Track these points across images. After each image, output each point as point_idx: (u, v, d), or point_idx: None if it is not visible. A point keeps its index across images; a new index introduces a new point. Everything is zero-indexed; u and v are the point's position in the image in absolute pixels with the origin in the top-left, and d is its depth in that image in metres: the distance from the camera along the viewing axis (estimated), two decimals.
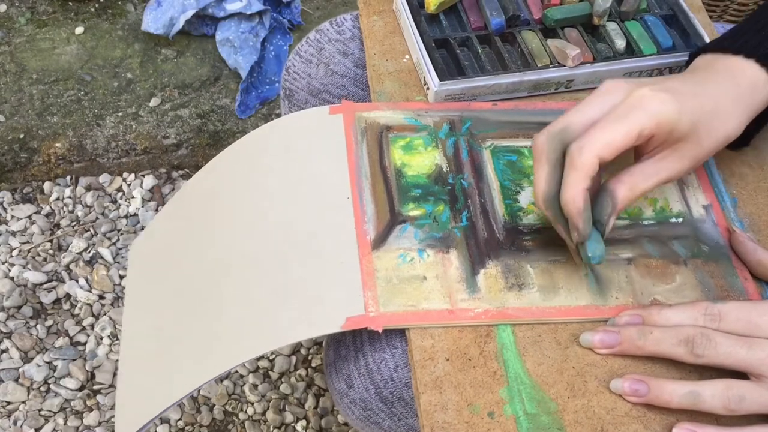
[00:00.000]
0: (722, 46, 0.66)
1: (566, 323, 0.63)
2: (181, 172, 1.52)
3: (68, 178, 1.49)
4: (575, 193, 0.58)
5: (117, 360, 1.28)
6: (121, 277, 1.37)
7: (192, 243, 0.78)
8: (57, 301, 1.34)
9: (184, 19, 1.53)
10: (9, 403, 1.23)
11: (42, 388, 1.25)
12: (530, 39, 0.78)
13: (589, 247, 0.61)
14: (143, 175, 1.51)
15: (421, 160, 0.72)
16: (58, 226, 1.43)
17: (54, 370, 1.27)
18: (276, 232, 0.70)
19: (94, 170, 1.50)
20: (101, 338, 1.30)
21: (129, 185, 1.50)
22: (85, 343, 1.30)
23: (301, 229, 0.69)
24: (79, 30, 1.59)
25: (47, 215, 1.45)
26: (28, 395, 1.24)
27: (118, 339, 1.30)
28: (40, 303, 1.33)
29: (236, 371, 1.29)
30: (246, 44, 1.54)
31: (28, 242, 1.40)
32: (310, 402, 1.27)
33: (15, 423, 1.21)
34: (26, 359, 1.27)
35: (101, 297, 1.35)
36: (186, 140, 1.50)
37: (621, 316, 0.62)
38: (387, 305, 0.62)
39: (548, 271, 0.65)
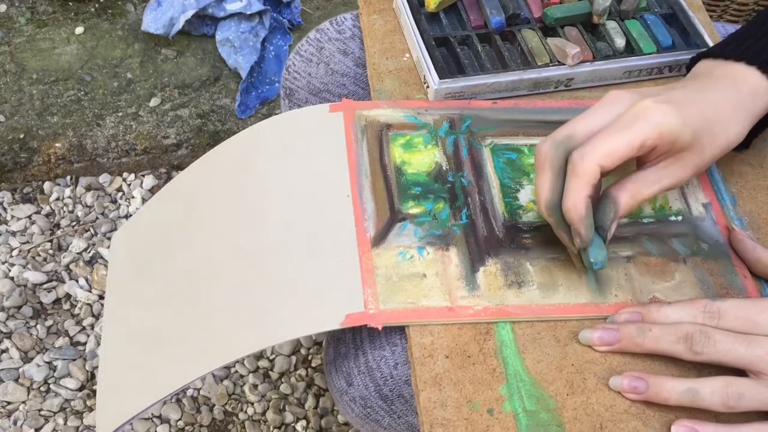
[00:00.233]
0: (724, 52, 0.66)
1: (565, 321, 0.63)
2: (181, 172, 1.52)
3: (68, 178, 1.49)
4: (577, 200, 0.58)
5: None
6: None
7: (183, 239, 0.77)
8: (57, 301, 1.34)
9: (184, 19, 1.53)
10: (9, 403, 1.23)
11: (42, 388, 1.25)
12: (530, 37, 0.78)
13: (592, 252, 0.61)
14: (143, 175, 1.51)
15: (421, 158, 0.72)
16: (58, 226, 1.43)
17: (54, 370, 1.27)
18: (276, 230, 0.70)
19: (94, 170, 1.50)
20: (101, 338, 1.30)
21: (129, 185, 1.50)
22: (85, 343, 1.30)
23: (300, 226, 0.69)
24: (79, 30, 1.59)
25: (47, 215, 1.45)
26: (28, 395, 1.24)
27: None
28: (40, 303, 1.33)
29: (236, 371, 1.29)
30: (246, 44, 1.55)
31: (28, 242, 1.41)
32: (310, 402, 1.26)
33: (15, 423, 1.21)
34: (26, 359, 1.27)
35: (101, 297, 1.35)
36: (186, 140, 1.50)
37: (620, 313, 0.62)
38: (387, 302, 0.63)
39: (548, 269, 0.65)
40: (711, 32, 0.82)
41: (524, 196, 0.70)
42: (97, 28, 1.61)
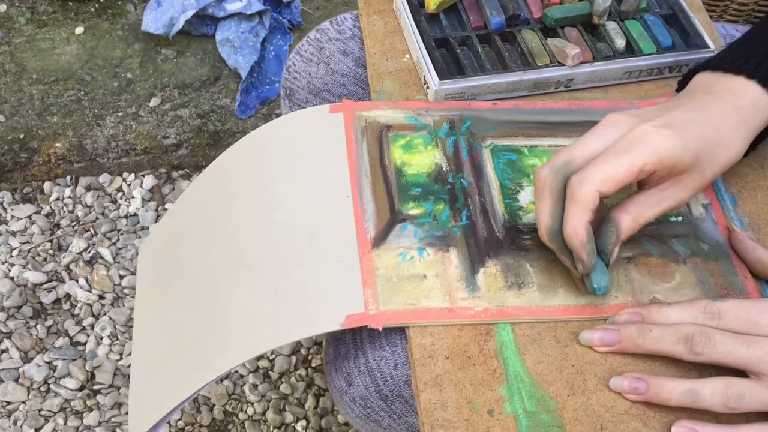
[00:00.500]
0: (722, 64, 0.66)
1: (566, 322, 0.63)
2: (181, 172, 1.52)
3: (68, 178, 1.49)
4: (577, 226, 0.58)
5: (117, 360, 1.28)
6: (121, 277, 1.37)
7: (196, 244, 0.78)
8: (57, 301, 1.34)
9: (184, 19, 1.53)
10: (9, 403, 1.23)
11: (42, 388, 1.25)
12: (530, 38, 0.78)
13: (594, 278, 0.61)
14: (143, 175, 1.51)
15: (421, 159, 0.72)
16: (58, 226, 1.43)
17: (54, 370, 1.27)
18: (276, 231, 0.70)
19: (94, 170, 1.50)
20: (101, 338, 1.30)
21: (129, 185, 1.50)
22: (85, 343, 1.30)
23: (301, 227, 0.69)
24: (79, 30, 1.59)
25: (47, 215, 1.45)
26: (28, 395, 1.24)
27: (118, 339, 1.30)
28: (40, 303, 1.33)
29: (236, 371, 1.29)
30: (246, 44, 1.55)
31: (28, 242, 1.41)
32: (310, 402, 1.27)
33: (15, 423, 1.21)
34: (26, 359, 1.27)
35: (101, 297, 1.35)
36: (186, 140, 1.50)
37: (620, 314, 0.62)
38: (387, 303, 0.63)
39: (548, 270, 0.65)
40: (711, 32, 0.82)
41: (524, 197, 0.70)
42: (97, 28, 1.61)
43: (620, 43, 0.78)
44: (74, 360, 1.27)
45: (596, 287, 0.61)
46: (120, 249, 1.41)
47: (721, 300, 0.59)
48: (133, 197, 1.48)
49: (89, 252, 1.40)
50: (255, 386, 1.28)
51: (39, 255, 1.39)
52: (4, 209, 1.45)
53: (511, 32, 0.79)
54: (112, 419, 1.23)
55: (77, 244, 1.40)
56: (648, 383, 0.58)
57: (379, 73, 0.79)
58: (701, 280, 0.66)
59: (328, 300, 0.64)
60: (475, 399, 0.59)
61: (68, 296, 1.35)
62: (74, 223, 1.44)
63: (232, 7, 1.54)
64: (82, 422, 1.23)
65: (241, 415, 1.25)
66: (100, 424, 1.22)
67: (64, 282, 1.36)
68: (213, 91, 1.55)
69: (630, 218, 0.60)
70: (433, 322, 0.62)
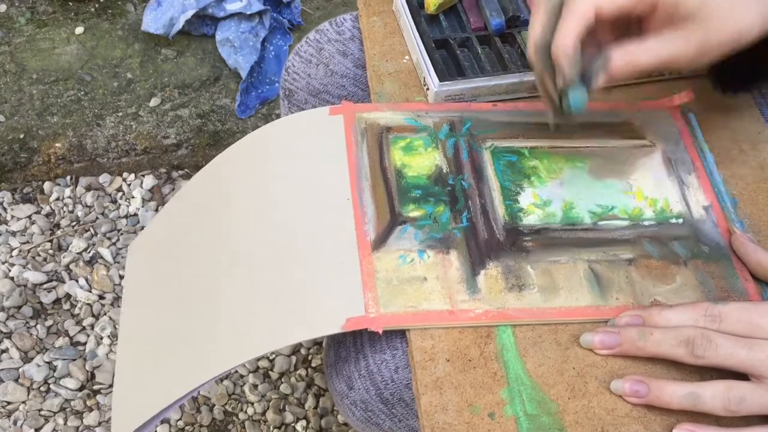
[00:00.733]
0: None
1: (566, 324, 0.63)
2: (181, 172, 1.52)
3: (68, 178, 1.49)
4: (567, 38, 0.56)
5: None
6: (121, 277, 1.37)
7: (192, 244, 0.78)
8: (57, 301, 1.34)
9: (184, 19, 1.53)
10: (9, 403, 1.23)
11: (42, 388, 1.25)
12: None
13: (571, 95, 0.59)
14: (143, 175, 1.51)
15: (421, 161, 0.72)
16: (58, 226, 1.43)
17: (54, 370, 1.27)
18: (276, 233, 0.70)
19: (94, 170, 1.50)
20: (101, 338, 1.30)
21: (129, 185, 1.50)
22: (85, 343, 1.30)
23: (301, 230, 0.69)
24: (79, 30, 1.59)
25: (47, 215, 1.45)
26: (28, 395, 1.24)
27: (118, 339, 1.30)
28: (40, 303, 1.33)
29: (236, 371, 1.29)
30: (246, 44, 1.54)
31: (28, 242, 1.40)
32: (310, 402, 1.27)
33: (15, 423, 1.21)
34: (26, 359, 1.27)
35: (101, 297, 1.35)
36: (186, 140, 1.50)
37: (621, 316, 0.62)
38: (387, 306, 0.63)
39: (548, 272, 0.65)
40: None
41: (525, 198, 0.70)
42: (97, 28, 1.60)
43: None
44: (74, 360, 1.27)
45: (571, 103, 0.59)
46: (120, 249, 1.41)
47: (722, 303, 0.59)
48: (133, 197, 1.48)
49: (89, 252, 1.40)
50: (255, 386, 1.28)
51: (39, 255, 1.39)
52: (4, 209, 1.44)
53: (511, 33, 0.79)
54: None
55: (77, 244, 1.40)
56: (649, 386, 0.58)
57: (379, 74, 0.78)
58: (702, 282, 0.66)
59: (328, 302, 0.64)
60: (476, 402, 0.59)
61: (68, 296, 1.35)
62: (74, 223, 1.44)
63: (232, 7, 1.54)
64: (82, 422, 1.23)
65: (241, 415, 1.25)
66: (100, 424, 1.22)
67: (64, 282, 1.36)
68: (213, 91, 1.55)
69: (623, 53, 0.57)
70: (434, 324, 0.62)
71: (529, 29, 0.59)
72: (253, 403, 1.26)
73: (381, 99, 0.77)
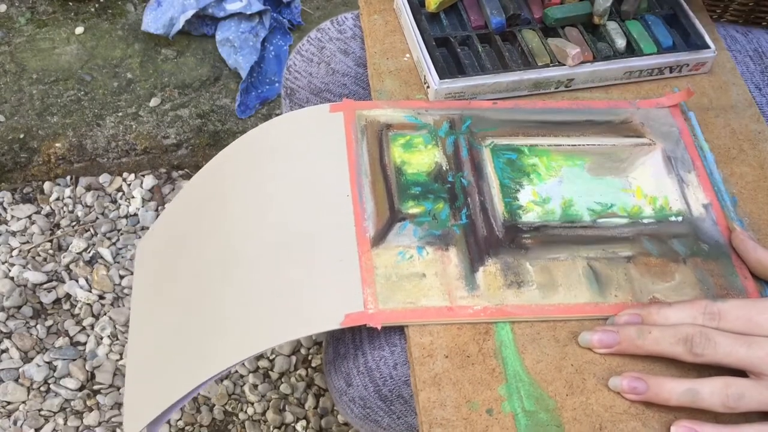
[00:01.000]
0: None
1: (565, 321, 0.63)
2: (181, 172, 1.52)
3: (68, 178, 1.49)
4: None
5: (117, 360, 1.28)
6: (121, 277, 1.37)
7: (195, 242, 0.78)
8: (57, 301, 1.34)
9: (184, 19, 1.53)
10: (9, 403, 1.23)
11: (42, 388, 1.25)
12: (530, 38, 0.78)
13: None
14: (143, 175, 1.51)
15: (420, 158, 0.72)
16: (58, 226, 1.43)
17: (54, 370, 1.26)
18: (276, 230, 0.70)
19: (94, 170, 1.50)
20: (101, 338, 1.30)
21: (129, 185, 1.50)
22: (85, 343, 1.30)
23: (300, 226, 0.69)
24: (79, 30, 1.59)
25: (47, 215, 1.45)
26: (28, 395, 1.24)
27: (118, 339, 1.30)
28: (40, 303, 1.33)
29: (236, 371, 1.29)
30: (246, 44, 1.55)
31: (28, 242, 1.40)
32: (310, 402, 1.26)
33: (15, 423, 1.21)
34: (26, 359, 1.27)
35: (101, 297, 1.34)
36: (186, 140, 1.50)
37: (620, 315, 0.62)
38: (386, 302, 0.62)
39: (547, 269, 0.65)
40: (712, 32, 0.82)
41: (524, 196, 0.70)
42: (97, 28, 1.61)
43: (621, 43, 0.78)
44: (74, 360, 1.27)
45: None
46: (120, 249, 1.41)
47: (721, 300, 0.59)
48: (133, 197, 1.48)
49: (89, 252, 1.40)
50: (255, 386, 1.28)
51: (39, 255, 1.39)
52: (4, 209, 1.45)
53: (512, 32, 0.79)
54: (112, 419, 1.22)
55: (77, 244, 1.40)
56: (647, 383, 0.58)
57: (380, 72, 0.79)
58: (701, 279, 0.66)
59: (327, 299, 0.64)
60: (474, 398, 0.59)
61: (68, 296, 1.34)
62: (74, 223, 1.44)
63: (232, 7, 1.54)
64: (82, 422, 1.22)
65: (241, 415, 1.25)
66: (100, 424, 1.22)
67: (64, 282, 1.36)
68: (213, 91, 1.55)
69: None
70: (433, 320, 0.62)
71: None
72: (253, 403, 1.26)
73: (381, 97, 0.77)
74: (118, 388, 1.26)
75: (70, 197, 1.47)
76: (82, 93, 1.51)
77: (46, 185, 1.48)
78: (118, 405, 1.24)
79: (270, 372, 1.30)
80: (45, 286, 1.35)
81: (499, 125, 0.74)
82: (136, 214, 1.45)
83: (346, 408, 0.72)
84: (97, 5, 1.64)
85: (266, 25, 1.56)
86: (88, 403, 1.24)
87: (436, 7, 0.79)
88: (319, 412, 1.26)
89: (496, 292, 0.64)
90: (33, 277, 1.34)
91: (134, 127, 1.49)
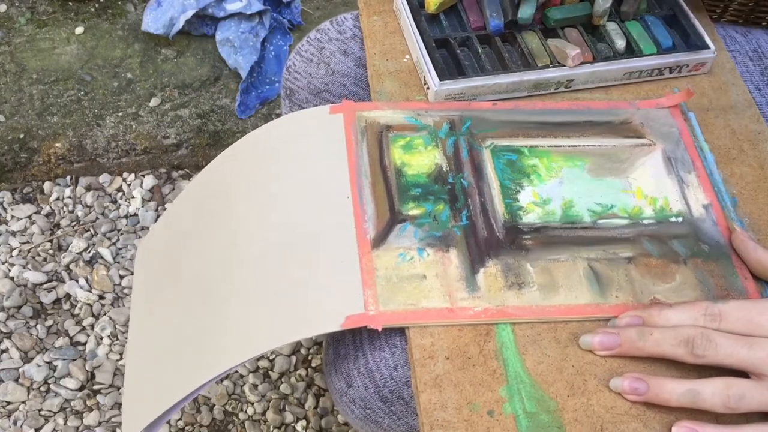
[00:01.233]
0: None
1: (566, 322, 0.63)
2: (181, 172, 1.52)
3: (68, 178, 1.49)
4: None
5: (117, 360, 1.28)
6: (121, 277, 1.37)
7: (195, 243, 0.78)
8: (57, 301, 1.34)
9: (184, 19, 1.53)
10: (9, 403, 1.23)
11: (42, 388, 1.25)
12: (530, 39, 0.78)
13: None
14: (143, 175, 1.51)
15: (421, 160, 0.72)
16: (58, 226, 1.43)
17: (54, 370, 1.26)
18: (276, 231, 0.70)
19: (94, 170, 1.50)
20: (101, 338, 1.30)
21: (129, 185, 1.50)
22: (85, 343, 1.30)
23: (300, 228, 0.69)
24: (79, 30, 1.59)
25: (47, 215, 1.45)
26: (28, 395, 1.24)
27: (118, 339, 1.30)
28: (40, 303, 1.33)
29: (236, 371, 1.29)
30: (246, 44, 1.55)
31: (28, 242, 1.41)
32: (310, 402, 1.26)
33: (15, 423, 1.21)
34: (26, 359, 1.27)
35: (101, 297, 1.35)
36: (186, 140, 1.50)
37: (621, 317, 0.62)
38: (387, 304, 0.62)
39: (548, 270, 0.65)
40: (711, 33, 0.82)
41: (524, 197, 0.70)
42: (97, 28, 1.61)
43: (620, 43, 0.78)
44: (74, 360, 1.27)
45: None
46: (120, 249, 1.41)
47: (722, 301, 0.59)
48: (133, 197, 1.48)
49: (89, 252, 1.40)
50: (255, 386, 1.28)
51: (39, 255, 1.39)
52: (4, 209, 1.45)
53: (512, 33, 0.79)
54: (112, 419, 1.22)
55: (77, 244, 1.40)
56: (648, 383, 0.58)
57: (380, 73, 0.79)
58: (701, 280, 0.66)
59: (327, 300, 0.64)
60: (475, 399, 0.59)
61: (68, 296, 1.35)
62: (74, 223, 1.44)
63: (232, 7, 1.54)
64: (82, 422, 1.23)
65: (241, 415, 1.25)
66: (100, 424, 1.22)
67: (64, 282, 1.36)
68: (213, 91, 1.55)
69: None
70: (433, 322, 0.62)
71: None
72: (253, 403, 1.26)
73: (381, 98, 0.77)
74: (118, 388, 1.26)
75: (70, 197, 1.47)
76: (82, 93, 1.51)
77: (46, 185, 1.48)
78: (118, 405, 1.24)
79: (270, 372, 1.30)
80: (45, 286, 1.35)
81: (499, 126, 0.74)
82: (136, 214, 1.45)
83: (346, 409, 0.72)
84: (97, 5, 1.64)
85: (266, 25, 1.56)
86: (88, 403, 1.24)
87: (435, 8, 0.79)
88: (319, 412, 1.26)
89: (496, 293, 0.64)
90: (33, 277, 1.34)
91: (134, 127, 1.49)
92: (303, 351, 1.32)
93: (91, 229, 1.43)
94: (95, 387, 1.25)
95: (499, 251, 0.66)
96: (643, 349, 0.59)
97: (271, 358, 1.31)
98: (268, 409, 1.25)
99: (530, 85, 0.77)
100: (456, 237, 0.67)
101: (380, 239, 0.66)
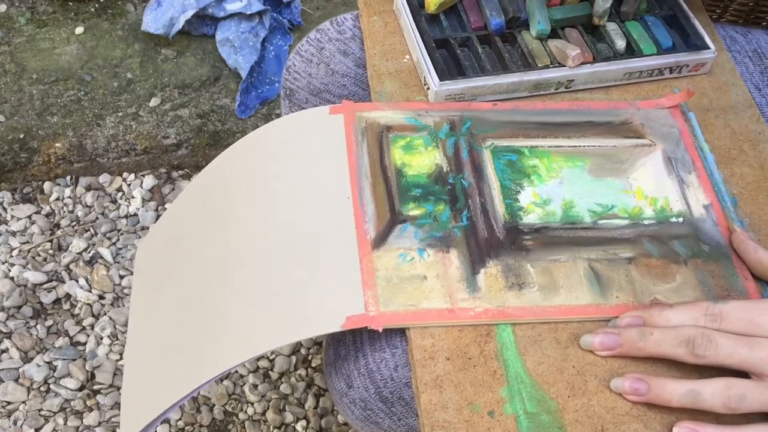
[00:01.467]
0: None
1: (566, 322, 0.63)
2: (181, 172, 1.52)
3: (68, 178, 1.49)
4: None
5: (117, 360, 1.28)
6: (121, 277, 1.37)
7: (196, 244, 0.78)
8: (57, 301, 1.34)
9: (184, 19, 1.53)
10: (9, 403, 1.23)
11: (42, 388, 1.25)
12: (530, 39, 0.78)
13: None
14: (143, 175, 1.51)
15: (421, 160, 0.72)
16: (58, 226, 1.43)
17: (54, 370, 1.26)
18: (276, 232, 0.70)
19: (94, 170, 1.50)
20: (101, 338, 1.30)
21: (129, 185, 1.50)
22: (85, 343, 1.30)
23: (301, 228, 0.69)
24: (79, 30, 1.59)
25: (47, 215, 1.45)
26: (28, 395, 1.24)
27: (118, 339, 1.30)
28: (40, 303, 1.33)
29: (236, 371, 1.29)
30: (246, 44, 1.54)
31: (28, 242, 1.40)
32: (310, 402, 1.26)
33: (15, 423, 1.21)
34: (26, 359, 1.27)
35: (101, 297, 1.34)
36: (186, 140, 1.50)
37: (622, 317, 0.62)
38: (387, 304, 0.62)
39: (548, 271, 0.65)
40: (711, 33, 0.82)
41: (525, 197, 0.70)
42: (97, 28, 1.61)
43: (620, 44, 0.78)
44: (74, 360, 1.27)
45: None
46: (120, 249, 1.41)
47: (722, 302, 0.59)
48: (133, 197, 1.48)
49: (89, 252, 1.40)
50: (255, 386, 1.28)
51: (39, 255, 1.39)
52: (4, 209, 1.44)
53: (512, 33, 0.79)
54: (112, 419, 1.22)
55: (77, 244, 1.40)
56: (649, 384, 0.58)
57: (380, 73, 0.79)
58: (702, 281, 0.66)
59: (328, 301, 0.64)
60: (476, 400, 0.59)
61: (68, 296, 1.35)
62: (74, 223, 1.44)
63: (232, 7, 1.54)
64: (82, 422, 1.22)
65: (241, 415, 1.25)
66: (100, 424, 1.22)
67: (64, 282, 1.36)
68: (213, 91, 1.55)
69: None
70: (434, 323, 0.62)
71: None
72: (253, 403, 1.26)
73: (381, 98, 0.77)
74: (118, 388, 1.26)
75: (70, 197, 1.47)
76: (82, 93, 1.51)
77: (46, 185, 1.48)
78: (118, 405, 1.24)
79: (270, 372, 1.30)
80: (45, 286, 1.35)
81: (499, 126, 0.74)
82: (136, 214, 1.45)
83: (346, 409, 0.72)
84: (97, 5, 1.64)
85: (266, 25, 1.56)
86: (88, 403, 1.24)
87: (435, 9, 0.79)
88: (319, 412, 1.26)
89: (497, 293, 0.64)
90: (33, 277, 1.34)
91: (134, 127, 1.49)
92: (303, 351, 1.32)
93: (91, 229, 1.43)
94: (95, 387, 1.25)
95: (499, 252, 0.66)
96: (644, 349, 0.59)
97: (271, 358, 1.31)
98: (268, 409, 1.25)
99: (530, 85, 0.77)
100: (456, 237, 0.67)
101: (380, 240, 0.66)
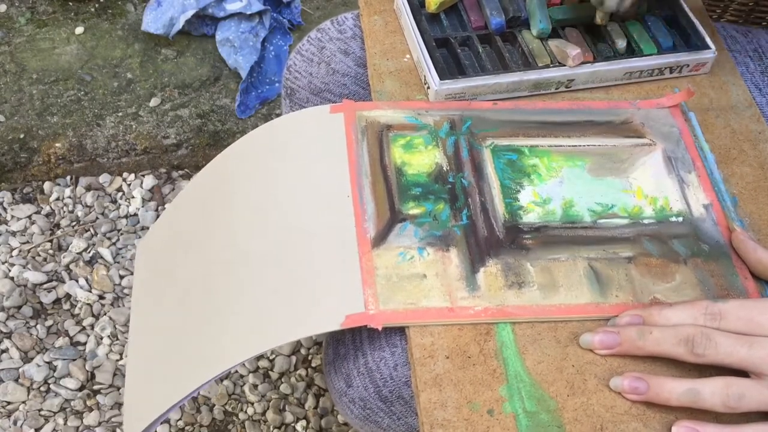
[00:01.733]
0: None
1: (566, 321, 0.63)
2: (181, 172, 1.52)
3: (68, 178, 1.49)
4: None
5: (117, 360, 1.28)
6: (121, 277, 1.37)
7: (196, 242, 0.78)
8: (57, 301, 1.34)
9: (184, 19, 1.53)
10: (9, 403, 1.23)
11: (42, 388, 1.25)
12: (531, 39, 0.78)
13: None
14: (143, 175, 1.51)
15: (421, 159, 0.72)
16: (58, 226, 1.43)
17: (54, 370, 1.26)
18: (276, 231, 0.70)
19: (94, 170, 1.50)
20: (101, 338, 1.30)
21: (129, 185, 1.50)
22: (85, 343, 1.30)
23: (301, 227, 0.69)
24: (79, 30, 1.59)
25: (47, 215, 1.45)
26: (28, 395, 1.24)
27: (118, 339, 1.30)
28: (40, 303, 1.33)
29: (236, 371, 1.29)
30: (246, 44, 1.54)
31: (28, 242, 1.40)
32: (310, 402, 1.26)
33: (15, 423, 1.21)
34: (26, 359, 1.27)
35: (101, 297, 1.34)
36: (186, 140, 1.50)
37: (622, 316, 0.62)
38: (387, 303, 0.62)
39: (548, 270, 0.65)
40: (712, 33, 0.82)
41: (525, 196, 0.70)
42: (97, 28, 1.61)
43: (621, 43, 0.78)
44: (74, 360, 1.27)
45: None
46: (120, 249, 1.41)
47: (722, 301, 0.59)
48: (133, 197, 1.48)
49: (89, 252, 1.40)
50: (255, 386, 1.28)
51: (39, 255, 1.39)
52: (4, 209, 1.44)
53: (512, 32, 0.79)
54: (112, 419, 1.22)
55: (77, 244, 1.40)
56: (648, 383, 0.58)
57: (380, 73, 0.79)
58: (702, 280, 0.66)
59: (327, 300, 0.64)
60: (475, 399, 0.59)
61: (68, 296, 1.34)
62: (74, 223, 1.44)
63: (232, 7, 1.54)
64: (82, 422, 1.22)
65: (241, 415, 1.25)
66: (100, 424, 1.22)
67: (64, 282, 1.36)
68: (213, 91, 1.55)
69: None
70: (433, 321, 0.62)
71: None
72: (253, 403, 1.26)
73: (381, 97, 0.77)
74: (118, 388, 1.26)
75: (70, 197, 1.47)
76: (82, 93, 1.51)
77: (46, 185, 1.48)
78: (118, 405, 1.24)
79: (270, 372, 1.30)
80: (45, 286, 1.35)
81: (499, 126, 0.75)
82: (136, 214, 1.45)
83: (346, 409, 0.72)
84: (97, 5, 1.64)
85: (266, 25, 1.56)
86: (88, 403, 1.24)
87: (436, 8, 0.79)
88: (319, 412, 1.26)
89: (496, 292, 0.64)
90: (33, 277, 1.34)
91: (134, 127, 1.49)
92: (303, 351, 1.32)
93: (91, 229, 1.43)
94: (95, 387, 1.25)
95: (499, 251, 0.66)
96: (643, 347, 0.59)
97: (271, 358, 1.31)
98: (268, 409, 1.25)
99: (530, 84, 0.77)
100: (456, 236, 0.67)
101: (380, 238, 0.66)
